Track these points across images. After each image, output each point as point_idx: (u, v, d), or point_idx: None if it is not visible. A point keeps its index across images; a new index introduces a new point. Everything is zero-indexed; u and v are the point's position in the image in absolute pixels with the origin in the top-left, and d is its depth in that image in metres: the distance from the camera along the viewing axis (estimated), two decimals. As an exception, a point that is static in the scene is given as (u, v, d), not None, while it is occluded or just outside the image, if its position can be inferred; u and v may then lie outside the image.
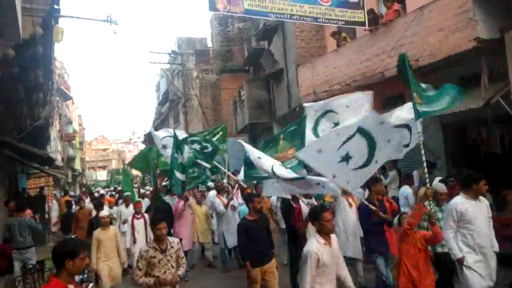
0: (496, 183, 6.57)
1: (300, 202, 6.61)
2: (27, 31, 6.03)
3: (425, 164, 4.78)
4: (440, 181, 6.34)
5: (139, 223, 8.23)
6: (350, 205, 6.60)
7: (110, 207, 10.95)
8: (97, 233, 6.63)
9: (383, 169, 9.67)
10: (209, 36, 26.35)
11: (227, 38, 23.98)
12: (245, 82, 17.06)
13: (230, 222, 8.71)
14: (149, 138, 37.01)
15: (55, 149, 24.38)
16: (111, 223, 7.20)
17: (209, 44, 26.32)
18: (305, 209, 6.34)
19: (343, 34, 11.38)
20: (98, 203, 9.18)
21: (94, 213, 9.28)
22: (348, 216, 6.58)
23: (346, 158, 4.36)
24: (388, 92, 9.95)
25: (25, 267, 7.63)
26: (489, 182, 6.45)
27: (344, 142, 4.30)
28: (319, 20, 9.43)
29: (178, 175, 8.09)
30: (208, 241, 9.42)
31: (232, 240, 8.35)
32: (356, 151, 4.39)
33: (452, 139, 9.42)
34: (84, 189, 27.21)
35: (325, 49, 13.47)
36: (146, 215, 8.34)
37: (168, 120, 31.19)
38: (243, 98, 17.28)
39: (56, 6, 9.47)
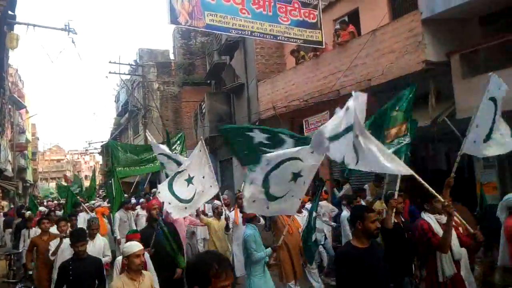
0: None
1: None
2: (-22, 36, 5.82)
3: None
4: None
5: None
6: None
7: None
8: (120, 283, 4.03)
9: (337, 183, 9.98)
10: (171, 48, 26.28)
11: (190, 51, 24.02)
12: (206, 96, 17.10)
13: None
14: (106, 149, 36.08)
15: (5, 159, 23.23)
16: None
17: (171, 57, 26.22)
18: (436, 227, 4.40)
19: (302, 53, 11.72)
20: (78, 234, 5.00)
21: (53, 245, 6.14)
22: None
23: None
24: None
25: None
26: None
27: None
28: (278, 38, 9.70)
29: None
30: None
31: None
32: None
33: (402, 155, 9.87)
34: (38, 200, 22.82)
35: (284, 66, 13.80)
36: (146, 255, 4.92)
37: (127, 131, 30.60)
38: (204, 111, 17.28)
39: (11, 12, 9.21)
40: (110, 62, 22.73)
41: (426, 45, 7.74)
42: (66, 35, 12.06)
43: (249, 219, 5.69)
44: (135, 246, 4.14)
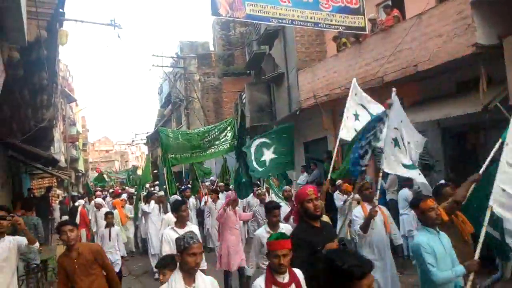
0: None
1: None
2: (32, 34, 6.12)
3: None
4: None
5: None
6: None
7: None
8: None
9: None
10: (211, 40, 26.59)
11: (229, 42, 24.23)
12: (246, 86, 17.18)
13: None
14: (151, 140, 37.15)
15: (58, 150, 24.54)
16: None
17: (211, 48, 26.54)
18: None
19: (343, 39, 11.48)
20: None
21: None
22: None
23: None
24: (387, 96, 10.03)
25: (28, 267, 7.67)
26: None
27: None
28: (320, 25, 9.53)
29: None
30: None
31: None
32: None
33: (451, 143, 9.50)
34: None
35: (325, 54, 13.58)
36: None
37: (171, 122, 31.40)
38: (244, 101, 17.40)
39: (61, 10, 9.62)
40: (153, 55, 23.58)
41: (476, 27, 7.35)
42: (112, 30, 12.48)
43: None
44: None
